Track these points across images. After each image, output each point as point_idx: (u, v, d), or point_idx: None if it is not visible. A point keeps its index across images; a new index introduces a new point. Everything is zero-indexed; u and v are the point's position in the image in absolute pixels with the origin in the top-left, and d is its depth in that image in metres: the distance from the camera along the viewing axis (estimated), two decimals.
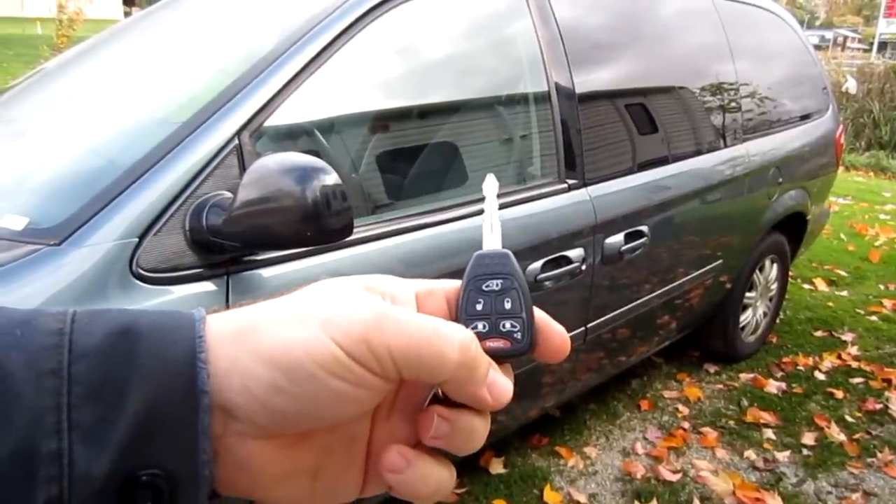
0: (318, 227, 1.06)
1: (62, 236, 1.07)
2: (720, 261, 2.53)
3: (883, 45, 23.37)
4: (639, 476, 2.22)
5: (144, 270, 1.10)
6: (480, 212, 1.51)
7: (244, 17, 1.76)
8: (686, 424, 2.53)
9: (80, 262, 1.05)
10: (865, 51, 27.57)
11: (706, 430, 2.50)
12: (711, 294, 2.62)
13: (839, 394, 2.77)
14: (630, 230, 1.97)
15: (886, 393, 2.78)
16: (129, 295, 1.09)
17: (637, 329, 2.27)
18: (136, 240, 1.10)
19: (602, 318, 2.02)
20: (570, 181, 1.83)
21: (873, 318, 3.56)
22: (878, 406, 2.68)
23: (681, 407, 2.65)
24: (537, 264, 1.68)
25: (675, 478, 2.21)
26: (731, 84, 2.56)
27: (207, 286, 1.16)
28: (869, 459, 2.35)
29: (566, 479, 2.20)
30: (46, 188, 1.26)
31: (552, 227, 1.75)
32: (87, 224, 1.08)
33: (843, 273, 4.22)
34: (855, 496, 2.15)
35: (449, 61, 1.80)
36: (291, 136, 1.44)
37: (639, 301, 2.16)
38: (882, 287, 4.02)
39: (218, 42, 1.71)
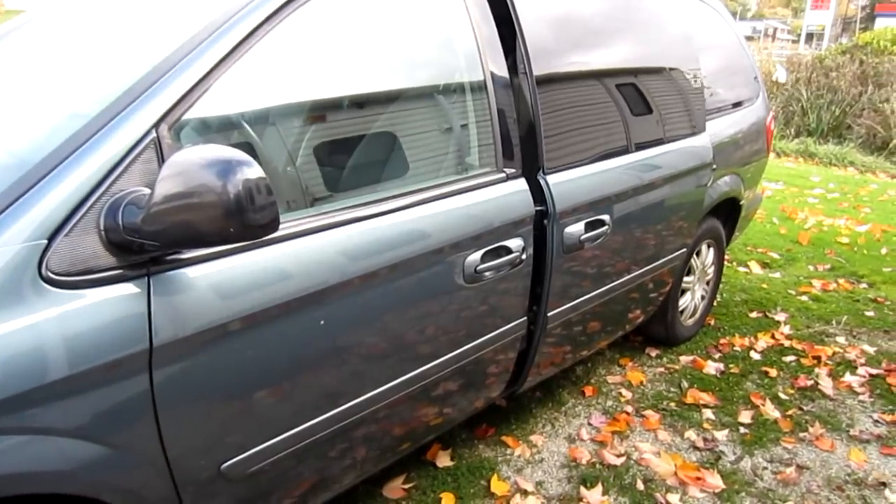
0: (241, 222, 1.01)
1: None
2: (660, 249, 2.57)
3: (810, 36, 24.37)
4: (584, 461, 2.25)
5: (55, 274, 1.03)
6: (422, 202, 1.45)
7: (163, 1, 1.67)
8: (629, 408, 2.58)
9: None
10: (794, 41, 28.74)
11: (648, 413, 2.55)
12: (658, 283, 2.66)
13: (773, 372, 2.87)
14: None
15: (816, 369, 2.90)
16: (42, 299, 1.02)
17: (582, 323, 2.29)
18: (45, 242, 1.03)
19: (557, 310, 2.04)
20: (508, 171, 1.82)
21: (804, 297, 3.71)
22: (809, 382, 2.80)
23: (624, 391, 2.70)
24: (476, 255, 1.67)
25: (619, 461, 2.25)
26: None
27: (127, 288, 1.10)
28: (801, 434, 2.45)
29: (513, 468, 2.21)
30: None
31: (491, 217, 1.73)
32: None
33: (775, 256, 4.39)
34: (789, 470, 2.23)
35: (383, 48, 1.76)
36: (218, 129, 1.37)
37: (584, 296, 2.17)
38: (811, 268, 4.20)
39: (135, 28, 1.62)
